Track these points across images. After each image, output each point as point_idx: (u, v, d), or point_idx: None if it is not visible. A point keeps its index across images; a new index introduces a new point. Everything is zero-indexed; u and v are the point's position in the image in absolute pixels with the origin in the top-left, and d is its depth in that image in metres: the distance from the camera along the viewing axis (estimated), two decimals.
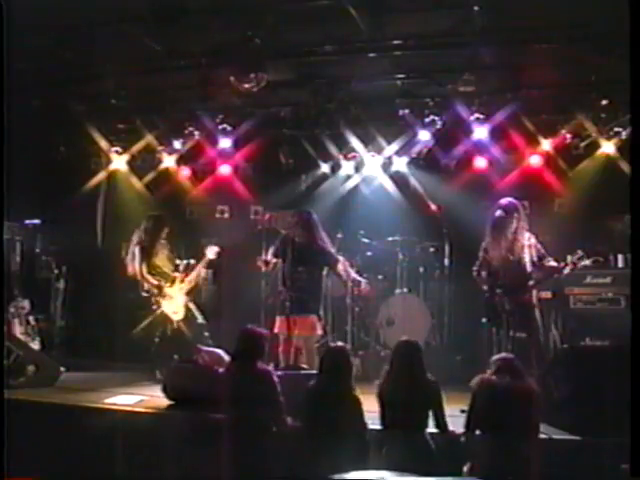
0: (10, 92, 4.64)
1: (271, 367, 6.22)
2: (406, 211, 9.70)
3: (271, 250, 7.55)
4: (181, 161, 10.24)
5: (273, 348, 7.32)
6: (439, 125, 9.00)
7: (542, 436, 5.17)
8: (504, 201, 7.23)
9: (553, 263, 6.91)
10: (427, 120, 8.98)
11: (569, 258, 6.82)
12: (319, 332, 7.49)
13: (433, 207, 9.39)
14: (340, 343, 6.03)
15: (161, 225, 8.37)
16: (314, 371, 5.88)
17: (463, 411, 5.29)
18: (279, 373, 5.86)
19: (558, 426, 5.58)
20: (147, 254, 8.21)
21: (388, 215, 9.66)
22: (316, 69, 8.30)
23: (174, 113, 9.55)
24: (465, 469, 4.91)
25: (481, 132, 8.97)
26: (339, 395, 5.21)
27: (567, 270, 6.82)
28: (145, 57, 7.88)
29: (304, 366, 6.92)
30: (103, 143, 9.92)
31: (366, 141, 9.60)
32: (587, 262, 6.85)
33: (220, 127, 9.66)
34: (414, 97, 8.88)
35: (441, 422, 5.21)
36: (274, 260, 7.52)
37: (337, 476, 4.02)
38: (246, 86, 7.64)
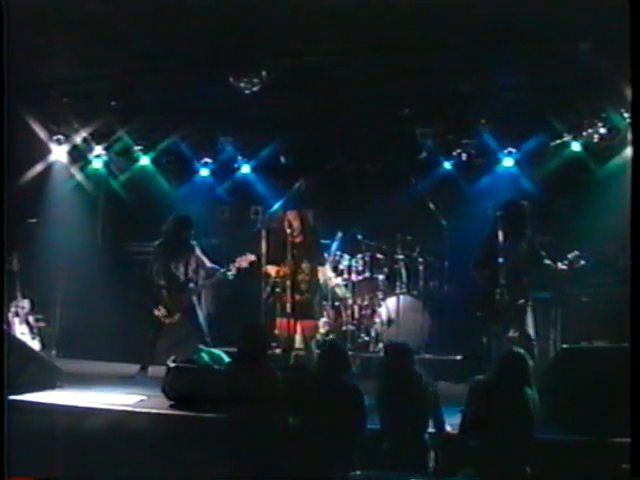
0: None
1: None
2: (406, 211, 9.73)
3: (271, 250, 7.57)
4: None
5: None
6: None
7: (541, 436, 5.17)
8: (506, 201, 7.25)
9: (548, 262, 6.94)
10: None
11: (569, 256, 6.86)
12: (322, 331, 7.52)
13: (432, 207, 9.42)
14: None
15: (181, 226, 8.21)
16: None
17: (462, 411, 5.29)
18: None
19: (558, 426, 5.58)
20: (160, 254, 8.19)
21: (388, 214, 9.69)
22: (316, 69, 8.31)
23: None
24: None
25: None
26: (337, 386, 5.24)
27: (565, 269, 6.85)
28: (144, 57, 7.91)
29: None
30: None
31: None
32: (583, 262, 6.88)
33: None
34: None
35: (438, 423, 5.23)
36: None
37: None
38: (245, 86, 7.65)
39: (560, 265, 6.93)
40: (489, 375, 5.28)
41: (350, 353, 7.15)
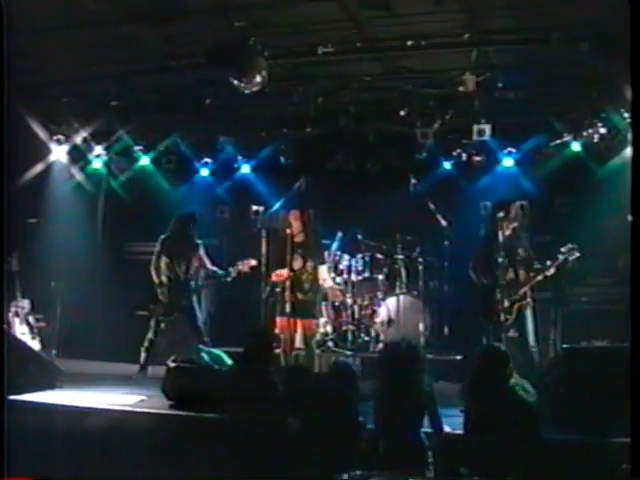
0: None
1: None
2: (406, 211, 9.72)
3: (271, 251, 7.58)
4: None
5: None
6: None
7: (542, 436, 5.17)
8: (504, 201, 7.25)
9: (538, 266, 6.95)
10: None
11: (562, 249, 6.88)
12: (321, 330, 7.51)
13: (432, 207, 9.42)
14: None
15: (185, 223, 8.19)
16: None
17: (463, 411, 5.29)
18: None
19: (558, 426, 5.57)
20: (165, 248, 8.16)
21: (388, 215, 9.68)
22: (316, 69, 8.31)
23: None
24: None
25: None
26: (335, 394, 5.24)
27: (551, 271, 6.87)
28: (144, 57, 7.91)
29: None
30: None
31: None
32: (577, 254, 6.88)
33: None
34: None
35: (436, 423, 5.22)
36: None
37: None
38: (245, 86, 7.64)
39: (550, 269, 6.93)
40: (471, 374, 5.27)
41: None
